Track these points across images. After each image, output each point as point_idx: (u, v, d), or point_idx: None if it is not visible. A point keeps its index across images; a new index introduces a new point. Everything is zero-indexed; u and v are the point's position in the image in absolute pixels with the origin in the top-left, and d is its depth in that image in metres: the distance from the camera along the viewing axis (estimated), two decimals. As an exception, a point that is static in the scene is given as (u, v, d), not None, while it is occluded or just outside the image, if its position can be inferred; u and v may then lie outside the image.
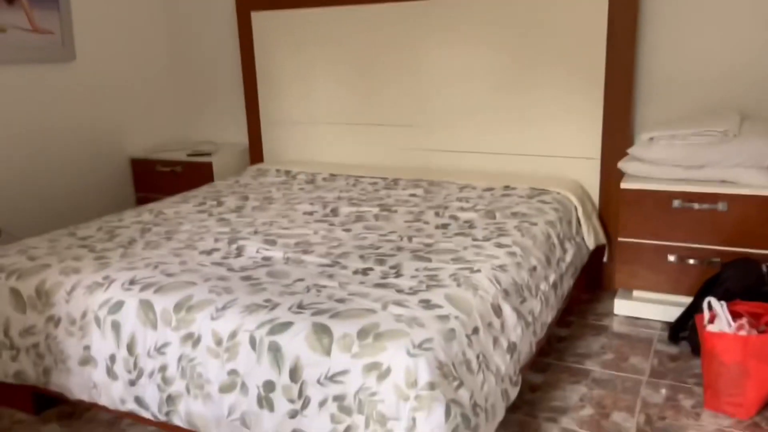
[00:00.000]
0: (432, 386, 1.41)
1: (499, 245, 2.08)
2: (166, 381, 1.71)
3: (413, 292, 1.71)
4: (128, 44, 3.68)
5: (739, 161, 2.39)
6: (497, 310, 1.77)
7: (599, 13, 2.74)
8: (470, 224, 2.33)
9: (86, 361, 1.84)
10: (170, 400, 1.71)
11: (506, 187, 2.79)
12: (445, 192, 2.78)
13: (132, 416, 1.86)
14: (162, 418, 1.75)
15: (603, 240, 2.84)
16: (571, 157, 2.92)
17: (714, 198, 2.41)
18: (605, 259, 2.94)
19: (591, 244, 2.70)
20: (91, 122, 3.49)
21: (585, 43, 2.79)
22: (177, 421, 1.73)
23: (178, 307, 1.71)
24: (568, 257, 2.42)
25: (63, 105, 3.33)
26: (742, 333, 1.97)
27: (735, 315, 2.06)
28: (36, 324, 1.94)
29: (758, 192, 2.35)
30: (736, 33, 2.66)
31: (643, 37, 2.80)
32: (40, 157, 3.23)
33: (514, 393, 1.76)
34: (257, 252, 2.08)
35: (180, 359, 1.69)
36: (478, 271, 1.86)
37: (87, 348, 1.84)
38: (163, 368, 1.71)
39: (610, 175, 2.85)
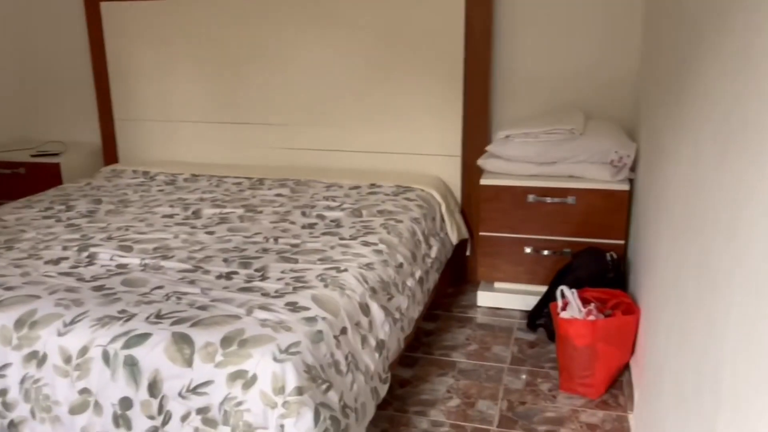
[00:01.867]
0: (300, 391, 1.39)
1: (366, 243, 2.09)
2: (6, 406, 1.55)
3: (279, 294, 1.67)
4: (-44, 33, 3.31)
5: (585, 157, 2.57)
6: (365, 309, 1.78)
7: (456, 14, 2.83)
8: (337, 223, 2.32)
9: None
10: (12, 426, 1.56)
11: (372, 185, 2.82)
12: (311, 191, 2.76)
13: (-32, 448, 1.68)
14: (4, 447, 1.59)
15: (465, 234, 2.95)
16: (434, 154, 3.00)
17: (564, 192, 2.57)
18: (468, 252, 3.06)
19: (454, 238, 2.79)
20: None
21: (444, 43, 2.87)
22: (21, 448, 1.57)
23: (19, 324, 1.56)
24: (433, 253, 2.49)
25: None
26: (591, 318, 2.11)
27: (584, 301, 2.22)
28: None
29: (602, 186, 2.54)
30: (582, 36, 2.85)
31: (498, 38, 2.93)
32: None
33: (383, 390, 1.77)
34: (111, 259, 1.95)
35: (23, 381, 1.54)
36: (345, 270, 1.86)
37: None
38: (2, 392, 1.55)
39: (470, 171, 2.96)
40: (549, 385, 2.21)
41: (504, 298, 2.80)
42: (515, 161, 2.66)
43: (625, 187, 2.53)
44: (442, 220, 2.74)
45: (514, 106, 2.99)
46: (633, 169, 2.56)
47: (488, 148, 2.72)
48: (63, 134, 3.68)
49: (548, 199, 2.59)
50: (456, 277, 3.11)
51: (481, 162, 2.74)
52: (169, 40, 3.24)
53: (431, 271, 2.43)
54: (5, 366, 1.55)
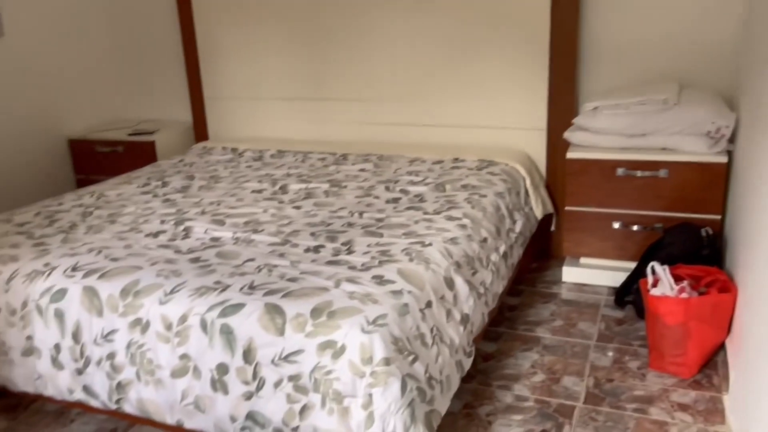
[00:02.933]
0: (387, 362, 1.42)
1: (450, 218, 2.09)
2: (115, 368, 1.67)
3: (366, 268, 1.70)
4: (62, 20, 3.51)
5: (679, 129, 2.45)
6: (449, 283, 1.78)
7: (543, -16, 2.74)
8: (421, 198, 2.33)
9: (29, 351, 1.78)
10: (120, 387, 1.67)
11: (455, 160, 2.80)
12: (395, 166, 2.77)
13: (81, 406, 1.81)
14: (112, 406, 1.71)
15: (551, 209, 2.89)
16: (519, 128, 2.95)
17: (656, 165, 2.47)
18: (553, 227, 3.00)
19: (539, 213, 2.75)
20: (24, 102, 3.33)
21: (529, 13, 2.80)
22: (128, 408, 1.69)
23: (124, 293, 1.67)
24: (518, 227, 2.46)
25: (-8, 84, 3.16)
26: (684, 296, 2.04)
27: (677, 278, 2.13)
28: (-27, 315, 1.86)
29: (697, 159, 2.42)
30: (674, 1, 2.71)
31: (586, 7, 2.82)
32: (-30, 140, 3.08)
33: (467, 363, 1.78)
34: (205, 233, 2.04)
35: (129, 346, 1.65)
36: (430, 244, 1.86)
37: (30, 338, 1.78)
38: (111, 356, 1.67)
39: (556, 145, 2.89)
40: (638, 363, 2.15)
41: (590, 273, 2.74)
42: (604, 134, 2.57)
43: (723, 159, 2.40)
44: (527, 194, 2.70)
45: (602, 77, 2.89)
46: (732, 140, 2.42)
47: (575, 120, 2.64)
48: (157, 113, 3.85)
49: (638, 173, 2.49)
50: (540, 252, 3.06)
51: (568, 135, 2.67)
52: (256, 20, 3.31)
53: (515, 245, 2.41)
54: (113, 331, 1.66)
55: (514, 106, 2.93)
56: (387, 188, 2.46)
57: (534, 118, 2.91)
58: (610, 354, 2.22)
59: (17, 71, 3.28)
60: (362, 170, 2.75)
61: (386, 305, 1.52)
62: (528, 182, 2.72)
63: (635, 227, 2.56)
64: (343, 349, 1.43)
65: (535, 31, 2.81)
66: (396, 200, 2.32)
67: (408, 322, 1.54)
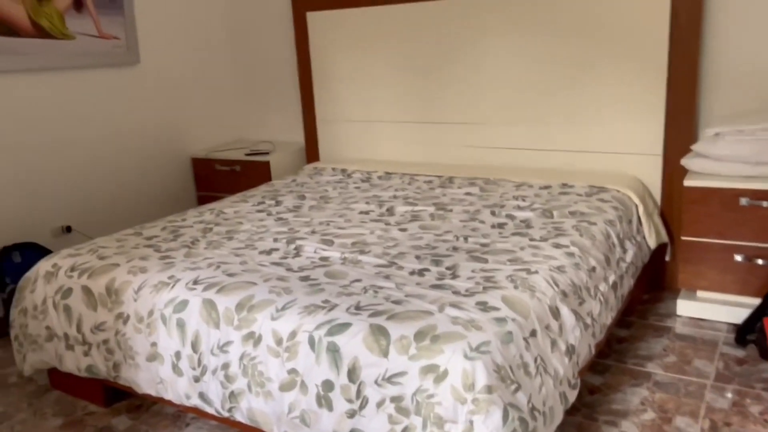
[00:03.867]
0: (489, 390, 1.41)
1: (557, 245, 2.06)
2: (228, 378, 1.76)
3: (470, 293, 1.71)
4: (189, 47, 3.78)
5: (812, 157, 2.29)
6: (555, 313, 1.75)
7: (661, 4, 2.66)
8: (527, 224, 2.31)
9: (153, 357, 1.92)
10: (233, 396, 1.76)
11: (564, 185, 2.75)
12: (501, 190, 2.76)
13: (196, 411, 1.93)
14: (225, 414, 1.80)
15: (665, 238, 2.77)
16: (632, 153, 2.85)
17: (784, 196, 2.32)
18: (667, 257, 2.87)
19: (652, 243, 2.64)
20: (155, 123, 3.61)
21: (646, 36, 2.72)
22: (239, 417, 1.78)
23: (239, 307, 1.76)
24: (629, 257, 2.37)
25: (128, 107, 3.45)
26: (815, 338, 1.89)
27: (807, 318, 1.98)
28: (106, 321, 2.02)
29: (833, 189, 2.25)
30: (808, 22, 2.54)
31: (708, 27, 2.70)
32: (107, 157, 3.37)
33: (572, 396, 1.74)
34: (315, 252, 2.12)
35: (242, 357, 1.74)
36: (536, 272, 1.84)
37: (154, 345, 1.91)
38: (225, 366, 1.77)
39: (672, 171, 2.77)
40: (760, 408, 2.01)
41: (708, 308, 2.59)
42: (725, 161, 2.44)
43: None
44: (639, 222, 2.60)
45: (724, 101, 2.75)
46: None
47: (694, 146, 2.52)
48: (273, 134, 4.05)
49: (764, 203, 2.34)
50: (653, 283, 2.93)
51: (686, 162, 2.55)
52: (366, 45, 3.42)
53: (626, 276, 2.33)
54: (228, 343, 1.76)
55: (627, 130, 2.84)
56: (493, 213, 2.45)
57: (649, 143, 2.81)
58: (729, 396, 2.09)
59: (149, 95, 3.56)
60: (468, 194, 2.75)
61: (490, 332, 1.52)
62: (641, 210, 2.62)
63: (760, 261, 2.40)
64: (445, 373, 1.44)
65: (651, 53, 2.72)
66: (502, 225, 2.31)
67: (511, 351, 1.52)
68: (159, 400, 2.01)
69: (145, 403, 2.24)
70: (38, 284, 2.19)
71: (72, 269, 2.13)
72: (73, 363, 2.13)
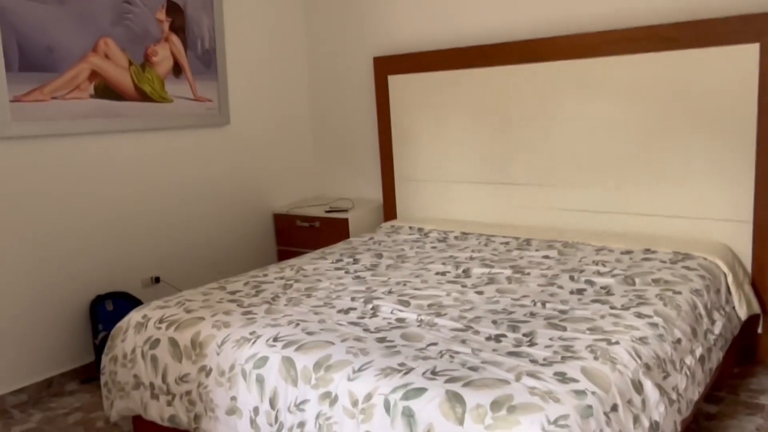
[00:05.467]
0: (568, 466, 1.37)
1: (639, 315, 2.00)
2: (304, 437, 1.79)
3: (548, 363, 1.68)
4: (275, 108, 3.98)
5: None
6: (638, 386, 1.69)
7: (749, 69, 2.61)
8: (607, 290, 2.26)
9: (233, 411, 1.97)
10: (308, 455, 1.78)
11: (647, 251, 2.68)
12: (580, 254, 2.72)
13: (271, 467, 1.95)
14: (299, 472, 1.82)
15: (757, 309, 2.64)
16: (719, 219, 2.76)
17: None
18: (760, 330, 2.72)
19: (743, 314, 2.52)
20: (241, 180, 3.79)
21: (733, 100, 2.66)
22: (313, 476, 1.79)
23: (317, 366, 1.80)
24: (717, 329, 2.27)
25: (217, 165, 3.64)
26: None
27: None
28: (190, 372, 2.10)
29: None
30: None
31: (800, 92, 2.62)
32: (195, 212, 3.54)
33: (656, 476, 1.66)
34: (392, 313, 2.14)
35: (318, 417, 1.76)
36: (617, 343, 1.79)
37: (234, 399, 1.97)
38: (301, 424, 1.79)
39: (764, 239, 2.65)
40: None
41: (806, 386, 2.43)
42: (822, 230, 2.32)
43: None
44: (729, 292, 2.50)
45: (821, 167, 2.63)
46: None
47: (787, 214, 2.42)
48: (351, 191, 4.15)
49: None
50: (744, 356, 2.78)
51: (778, 230, 2.45)
52: (444, 107, 3.49)
53: (714, 348, 2.22)
54: (305, 401, 1.79)
55: (713, 195, 2.76)
56: (572, 278, 2.41)
57: (738, 209, 2.71)
58: (832, 485, 1.93)
59: (237, 153, 3.75)
60: (546, 257, 2.72)
61: (568, 405, 1.49)
62: (730, 279, 2.52)
63: None
64: (522, 446, 1.42)
65: (739, 117, 2.65)
66: (581, 291, 2.27)
67: (591, 425, 1.48)
68: (236, 454, 2.05)
69: (221, 455, 2.28)
70: (129, 334, 2.30)
71: (160, 321, 2.24)
72: (157, 412, 2.21)
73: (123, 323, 2.36)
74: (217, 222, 3.67)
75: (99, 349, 2.93)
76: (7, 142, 2.72)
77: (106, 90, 3.05)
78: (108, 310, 3.00)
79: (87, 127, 2.98)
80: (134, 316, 2.34)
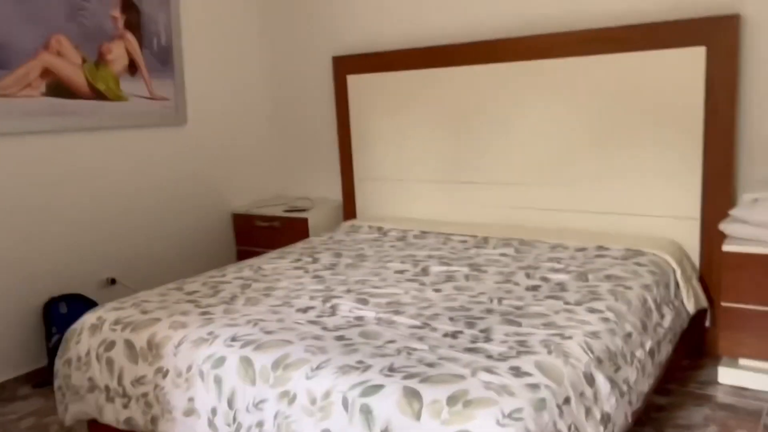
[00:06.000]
0: (522, 458, 1.41)
1: (592, 310, 2.05)
2: (262, 436, 1.78)
3: (503, 358, 1.71)
4: (233, 108, 3.95)
5: None
6: (590, 379, 1.74)
7: (696, 71, 2.70)
8: (562, 287, 2.31)
9: (190, 412, 1.95)
10: (266, 455, 1.78)
11: (600, 248, 2.75)
12: (536, 252, 2.77)
13: (230, 468, 1.94)
14: (258, 472, 1.81)
15: (704, 304, 2.73)
16: (669, 216, 2.85)
17: (827, 263, 2.28)
18: (707, 323, 2.82)
19: (691, 308, 2.60)
20: (198, 179, 3.75)
21: (681, 101, 2.75)
22: (272, 476, 1.79)
23: (275, 365, 1.80)
24: (666, 322, 2.34)
25: (174, 165, 3.59)
26: None
27: None
28: (146, 374, 2.08)
29: None
30: None
31: (744, 94, 2.72)
32: (151, 212, 3.49)
33: (608, 466, 1.70)
34: (350, 311, 2.15)
35: (276, 416, 1.76)
36: (570, 337, 1.84)
37: (191, 400, 1.95)
38: (260, 424, 1.79)
39: (711, 236, 2.75)
40: (807, 485, 1.94)
41: (751, 377, 2.52)
42: (766, 227, 2.42)
43: None
44: (677, 287, 2.58)
45: (762, 166, 2.73)
46: None
47: (732, 211, 2.52)
48: (311, 191, 4.15)
49: (807, 271, 2.31)
50: (693, 349, 2.87)
51: (724, 227, 2.54)
52: (404, 106, 3.52)
53: (664, 342, 2.29)
54: (263, 401, 1.79)
55: (664, 193, 2.84)
56: (527, 275, 2.46)
57: (686, 206, 2.80)
58: (774, 471, 2.02)
59: (194, 153, 3.71)
60: (503, 255, 2.77)
61: (523, 399, 1.52)
62: (679, 274, 2.60)
63: (803, 330, 2.35)
64: (477, 440, 1.44)
65: (687, 118, 2.74)
66: (536, 288, 2.32)
67: (544, 418, 1.52)
68: (193, 456, 2.03)
69: (179, 457, 2.26)
70: (83, 336, 2.26)
71: (116, 322, 2.20)
72: (113, 415, 2.18)
73: (77, 325, 2.32)
74: (175, 222, 3.62)
75: (52, 352, 2.86)
76: (-47, 140, 2.64)
77: (58, 88, 2.98)
78: (62, 312, 2.94)
79: (39, 126, 2.91)
80: (89, 318, 2.30)
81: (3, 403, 2.75)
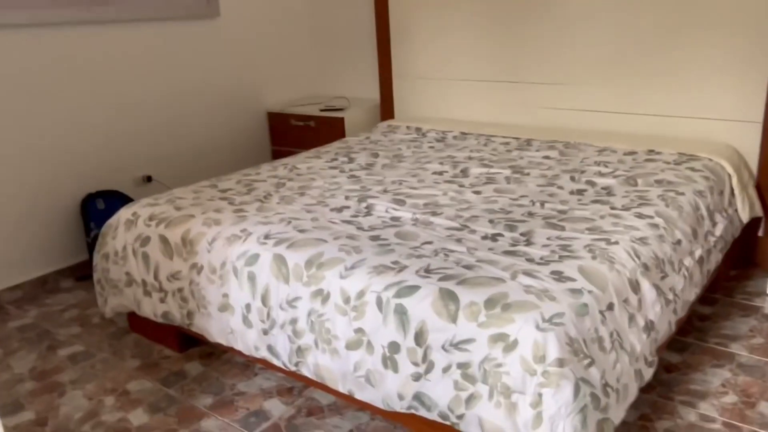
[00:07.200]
0: (561, 363, 1.36)
1: (640, 215, 1.95)
2: (296, 333, 1.78)
3: (544, 262, 1.64)
4: (269, 3, 3.76)
5: None
6: (635, 286, 1.67)
7: (773, -43, 2.43)
8: (608, 191, 2.20)
9: (225, 307, 1.96)
10: (300, 351, 1.78)
11: (650, 152, 2.60)
12: (581, 155, 2.64)
13: (264, 363, 1.97)
14: (292, 367, 1.82)
15: (759, 212, 2.59)
16: (727, 119, 2.66)
17: None
18: (761, 233, 2.69)
19: (745, 216, 2.47)
20: (232, 76, 3.64)
21: (753, -8, 2.50)
22: (305, 371, 1.79)
23: (309, 264, 1.76)
24: (718, 230, 2.23)
25: (207, 60, 3.48)
26: None
27: None
28: (181, 270, 2.07)
29: None
30: None
31: (825, -17, 2.45)
32: (186, 110, 3.43)
33: (648, 374, 1.66)
34: (386, 211, 2.09)
35: (309, 314, 1.74)
36: (616, 243, 1.75)
37: (225, 296, 1.95)
38: (293, 321, 1.78)
39: (772, 140, 2.57)
40: None
41: (802, 289, 2.42)
42: (835, 131, 2.23)
43: None
44: (732, 194, 2.44)
45: (839, 64, 2.50)
46: None
47: (800, 114, 2.32)
48: (348, 90, 4.01)
49: None
50: (743, 259, 2.76)
51: (789, 130, 2.36)
52: (449, 1, 3.30)
53: (713, 250, 2.19)
54: (296, 299, 1.77)
55: (722, 95, 2.64)
56: (572, 178, 2.34)
57: (747, 109, 2.60)
58: (821, 383, 1.95)
59: (228, 48, 3.58)
60: (546, 157, 2.65)
61: (564, 303, 1.46)
62: (734, 180, 2.45)
63: None
64: (515, 344, 1.40)
65: (753, 13, 2.50)
66: (581, 192, 2.21)
67: (586, 324, 1.46)
68: (229, 349, 2.06)
69: (216, 350, 2.30)
70: (119, 231, 2.26)
71: (150, 218, 2.19)
72: (150, 309, 2.20)
73: (113, 221, 2.32)
74: (210, 120, 3.55)
75: (92, 247, 2.90)
76: (-18, 31, 2.57)
77: (85, -24, 2.86)
78: (99, 208, 2.95)
79: (70, 17, 2.82)
80: (124, 213, 2.29)
81: (47, 295, 2.83)
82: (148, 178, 3.26)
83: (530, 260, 1.66)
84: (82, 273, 2.98)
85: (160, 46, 3.24)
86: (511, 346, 1.40)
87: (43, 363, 2.28)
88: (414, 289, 1.56)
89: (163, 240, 2.12)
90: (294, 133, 3.76)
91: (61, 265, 2.96)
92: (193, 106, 3.45)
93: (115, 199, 3.01)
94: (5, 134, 2.69)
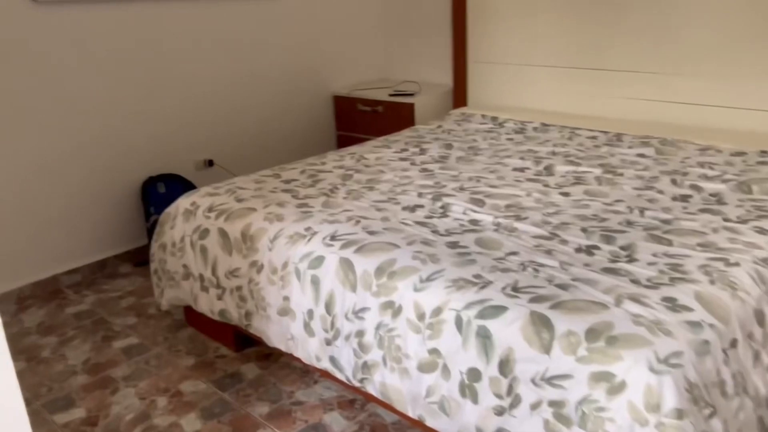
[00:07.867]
0: (680, 414, 1.14)
1: (761, 230, 1.69)
2: (362, 347, 1.61)
3: (653, 285, 1.41)
4: (338, -23, 3.58)
5: None
6: (760, 317, 1.42)
7: None
8: (718, 198, 1.93)
9: (285, 311, 1.80)
10: (366, 367, 1.61)
11: (763, 153, 2.31)
12: (681, 154, 2.37)
13: (325, 374, 1.81)
14: (356, 383, 1.66)
15: None
16: None
17: None
18: None
19: None
20: (296, 59, 3.48)
21: None
22: (371, 389, 1.63)
23: (379, 272, 1.58)
24: None
25: (272, 41, 3.33)
26: None
27: None
28: (240, 267, 1.93)
29: None
30: None
31: None
32: (249, 92, 3.29)
33: (771, 420, 1.42)
34: (464, 213, 1.89)
35: (378, 327, 1.57)
36: (736, 264, 1.50)
37: (287, 299, 1.80)
38: (360, 333, 1.61)
39: None
40: None
41: None
42: None
43: None
44: None
45: None
46: None
47: None
48: (418, 74, 3.80)
49: None
50: None
51: None
52: (532, -22, 3.04)
53: (840, 271, 1.90)
54: (364, 309, 1.60)
55: None
56: (674, 181, 2.08)
57: None
58: None
59: (293, 29, 3.42)
60: (641, 155, 2.39)
61: (682, 340, 1.23)
62: None
63: None
64: (622, 386, 1.19)
65: None
66: (686, 198, 1.95)
67: (707, 365, 1.23)
68: (289, 354, 1.91)
69: (274, 353, 2.16)
70: (177, 221, 2.14)
71: (210, 209, 2.06)
72: (207, 305, 2.08)
73: (171, 209, 2.20)
74: (273, 103, 3.41)
75: (150, 232, 2.81)
76: (49, 6, 2.48)
77: (151, -51, 2.73)
78: (160, 192, 2.85)
79: (133, -7, 2.70)
80: (182, 202, 2.16)
81: (105, 280, 2.76)
82: (210, 162, 3.15)
83: (635, 282, 1.43)
84: (141, 258, 2.90)
85: (225, 26, 3.10)
86: (617, 389, 1.19)
87: (97, 355, 2.20)
88: (500, 310, 1.37)
89: (223, 234, 1.98)
90: (360, 119, 3.58)
91: (119, 249, 2.88)
92: (256, 88, 3.31)
93: (176, 183, 2.90)
94: (64, 111, 2.61)
